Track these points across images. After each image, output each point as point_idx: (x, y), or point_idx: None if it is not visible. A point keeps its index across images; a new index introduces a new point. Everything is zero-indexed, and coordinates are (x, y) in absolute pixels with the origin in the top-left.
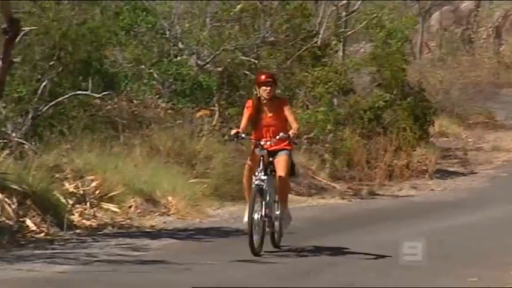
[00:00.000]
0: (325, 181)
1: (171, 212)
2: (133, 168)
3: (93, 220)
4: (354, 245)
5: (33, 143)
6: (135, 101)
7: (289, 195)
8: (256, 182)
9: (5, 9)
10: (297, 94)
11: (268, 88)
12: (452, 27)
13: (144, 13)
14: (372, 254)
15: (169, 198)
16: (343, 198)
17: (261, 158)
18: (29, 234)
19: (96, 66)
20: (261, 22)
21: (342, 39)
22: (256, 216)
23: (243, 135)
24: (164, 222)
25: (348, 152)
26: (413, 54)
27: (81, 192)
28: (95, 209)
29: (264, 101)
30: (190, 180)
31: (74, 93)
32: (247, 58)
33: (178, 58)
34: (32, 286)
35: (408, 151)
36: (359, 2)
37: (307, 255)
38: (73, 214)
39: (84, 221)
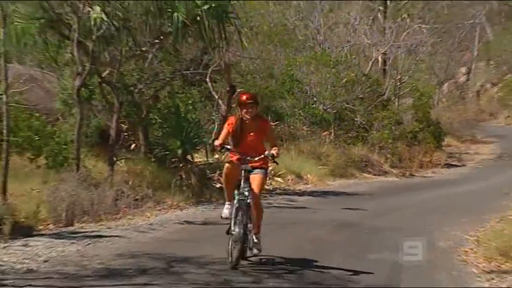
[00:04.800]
0: (387, 168)
1: (309, 183)
2: (290, 160)
3: (271, 186)
4: (403, 201)
5: None
6: (291, 127)
7: (369, 175)
8: (241, 197)
9: (227, 79)
10: (373, 124)
11: (250, 110)
12: (454, 90)
13: (297, 82)
14: (416, 205)
15: (308, 175)
16: (397, 177)
17: (245, 173)
18: None
19: (273, 109)
20: (356, 87)
21: (397, 96)
22: (237, 229)
23: (228, 146)
24: (305, 188)
25: (399, 153)
26: (434, 104)
27: None
28: (270, 180)
29: (246, 121)
30: (319, 167)
31: None
32: (349, 105)
33: (314, 105)
34: None
35: (431, 153)
36: (407, 77)
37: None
38: None
39: (266, 187)
